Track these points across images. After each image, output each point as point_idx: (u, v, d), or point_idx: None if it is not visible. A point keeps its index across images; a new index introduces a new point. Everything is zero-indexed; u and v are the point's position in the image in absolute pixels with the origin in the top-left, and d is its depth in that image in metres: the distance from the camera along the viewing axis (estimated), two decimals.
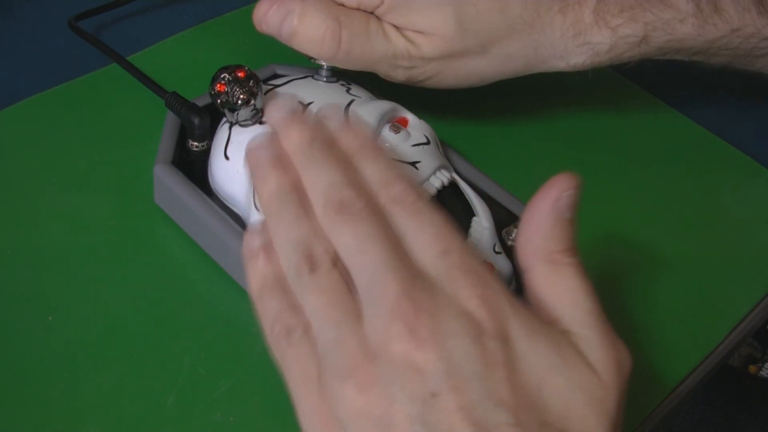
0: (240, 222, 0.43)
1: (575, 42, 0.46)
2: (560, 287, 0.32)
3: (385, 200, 0.33)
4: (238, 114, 0.42)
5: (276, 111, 0.36)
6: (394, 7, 0.43)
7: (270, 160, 0.35)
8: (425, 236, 0.31)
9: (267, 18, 0.43)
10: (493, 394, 0.28)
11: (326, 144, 0.35)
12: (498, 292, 0.30)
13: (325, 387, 0.30)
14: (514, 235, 0.44)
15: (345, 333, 0.30)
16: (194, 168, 0.45)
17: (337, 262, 0.32)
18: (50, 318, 0.41)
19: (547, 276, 0.32)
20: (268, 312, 0.33)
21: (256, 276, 0.34)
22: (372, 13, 0.44)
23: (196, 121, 0.44)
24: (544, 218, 0.33)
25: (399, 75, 0.45)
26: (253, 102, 0.41)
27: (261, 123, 0.42)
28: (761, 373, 1.13)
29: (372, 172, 0.34)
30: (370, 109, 0.44)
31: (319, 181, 0.33)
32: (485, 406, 0.28)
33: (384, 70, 0.45)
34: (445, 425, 0.28)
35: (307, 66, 0.47)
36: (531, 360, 0.30)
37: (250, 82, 0.41)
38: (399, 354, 0.29)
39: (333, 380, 0.30)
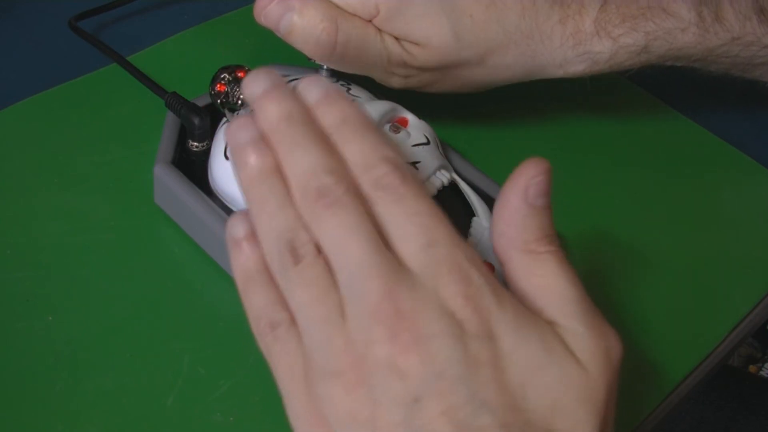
0: None
1: (575, 51, 0.46)
2: (541, 277, 0.31)
3: (368, 185, 0.31)
4: (238, 114, 0.42)
5: (253, 86, 0.33)
6: (390, 18, 0.43)
7: (249, 141, 0.33)
8: (409, 226, 0.30)
9: (267, 11, 0.43)
10: (476, 395, 0.28)
11: (305, 121, 0.32)
12: (483, 287, 0.29)
13: (312, 385, 0.30)
14: None
15: (331, 331, 0.30)
16: (194, 168, 0.45)
17: (321, 250, 0.31)
18: (50, 318, 0.41)
19: (525, 267, 0.31)
20: (254, 306, 0.32)
21: (240, 267, 0.33)
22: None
23: (196, 121, 0.44)
24: (515, 209, 0.31)
25: (395, 82, 0.45)
26: None
27: None
28: (761, 373, 1.14)
29: (354, 151, 0.32)
30: (369, 110, 0.44)
31: (297, 165, 0.31)
32: (469, 408, 0.28)
33: (379, 76, 0.45)
34: (429, 429, 0.28)
35: (307, 66, 0.47)
36: (516, 357, 0.29)
37: None
38: (382, 358, 0.28)
39: (320, 380, 0.29)
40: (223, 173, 0.43)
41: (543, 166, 0.32)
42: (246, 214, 0.33)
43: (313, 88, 0.34)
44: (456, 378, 0.28)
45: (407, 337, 0.28)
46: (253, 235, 0.33)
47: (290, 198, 0.32)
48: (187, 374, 0.40)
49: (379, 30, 0.44)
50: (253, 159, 0.32)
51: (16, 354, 0.40)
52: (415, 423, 0.28)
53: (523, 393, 0.29)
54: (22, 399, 0.38)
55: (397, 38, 0.44)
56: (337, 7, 0.43)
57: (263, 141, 0.33)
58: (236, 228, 0.33)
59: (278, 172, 0.32)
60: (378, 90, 0.48)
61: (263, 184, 0.32)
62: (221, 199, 0.44)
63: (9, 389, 0.38)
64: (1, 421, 0.37)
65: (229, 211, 0.43)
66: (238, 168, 0.33)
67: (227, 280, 0.43)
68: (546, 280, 0.31)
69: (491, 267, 0.41)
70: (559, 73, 0.47)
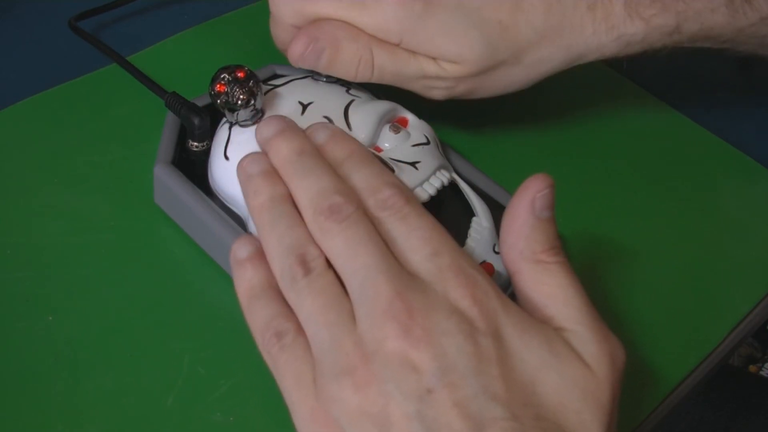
0: (240, 222, 0.43)
1: (609, 36, 0.46)
2: (549, 286, 0.33)
3: (374, 206, 0.33)
4: (237, 114, 0.42)
5: (266, 129, 0.37)
6: (415, 45, 0.43)
7: (260, 173, 0.35)
8: (415, 239, 0.32)
9: (303, 58, 0.43)
10: (487, 389, 0.29)
11: (314, 154, 0.35)
12: (489, 291, 0.31)
13: (322, 388, 0.30)
14: None
15: (340, 334, 0.30)
16: (194, 168, 0.45)
17: (330, 264, 0.32)
18: (50, 318, 0.41)
19: (534, 276, 0.33)
20: (258, 319, 0.33)
21: (243, 284, 0.34)
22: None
23: (196, 121, 0.44)
24: (524, 221, 0.33)
25: (437, 95, 0.45)
26: (253, 102, 0.41)
27: None
28: (761, 373, 1.13)
29: (360, 179, 0.34)
30: (369, 109, 0.44)
31: (308, 189, 0.34)
32: (480, 401, 0.29)
33: (421, 91, 0.45)
34: (442, 421, 0.29)
35: None
36: (524, 356, 0.30)
37: (250, 82, 0.41)
38: (394, 353, 0.29)
39: (329, 381, 0.30)
40: (223, 173, 0.43)
41: (548, 181, 0.33)
42: (251, 237, 0.35)
43: (321, 131, 0.37)
44: (467, 371, 0.29)
45: (419, 332, 0.29)
46: (257, 256, 0.34)
47: (300, 220, 0.34)
48: (187, 374, 0.40)
49: (413, 52, 0.44)
50: (264, 187, 0.35)
51: (16, 354, 0.40)
52: (428, 414, 0.29)
53: (533, 390, 0.30)
54: (22, 399, 0.38)
55: (432, 58, 0.44)
56: (368, 33, 0.43)
57: (274, 173, 0.35)
58: (240, 250, 0.35)
59: (289, 199, 0.34)
60: (378, 90, 0.48)
61: (274, 209, 0.34)
62: (221, 199, 0.44)
63: (9, 389, 0.38)
64: (1, 421, 0.37)
65: (229, 211, 0.43)
66: (249, 197, 0.36)
67: (227, 280, 0.43)
68: (554, 289, 0.33)
69: (491, 267, 0.41)
70: (595, 56, 0.47)
